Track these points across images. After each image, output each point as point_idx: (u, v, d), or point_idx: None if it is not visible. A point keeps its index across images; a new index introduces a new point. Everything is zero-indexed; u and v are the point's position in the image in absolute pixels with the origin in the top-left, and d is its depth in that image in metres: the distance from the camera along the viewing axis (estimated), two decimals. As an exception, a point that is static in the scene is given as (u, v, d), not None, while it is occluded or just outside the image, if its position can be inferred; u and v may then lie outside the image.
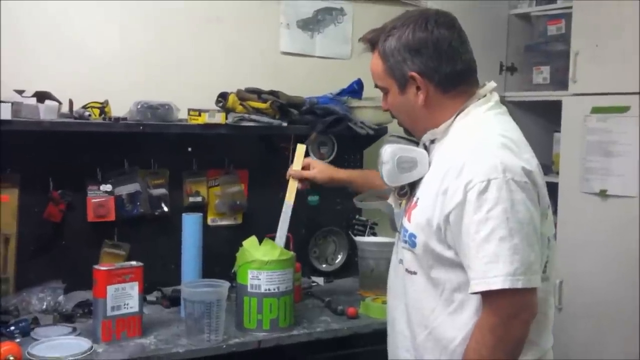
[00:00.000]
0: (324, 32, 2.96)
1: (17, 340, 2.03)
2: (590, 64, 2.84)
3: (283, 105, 2.56)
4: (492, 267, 1.41)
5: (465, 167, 1.47)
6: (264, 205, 2.76)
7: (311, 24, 2.93)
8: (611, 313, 2.73)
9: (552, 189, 3.00)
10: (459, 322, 1.52)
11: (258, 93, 2.56)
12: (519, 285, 1.40)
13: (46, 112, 2.22)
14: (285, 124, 2.57)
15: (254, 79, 2.66)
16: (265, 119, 2.52)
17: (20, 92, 2.24)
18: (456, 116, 1.60)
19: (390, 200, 1.72)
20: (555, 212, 3.00)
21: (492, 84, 1.66)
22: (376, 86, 1.71)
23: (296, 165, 2.23)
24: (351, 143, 2.87)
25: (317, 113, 2.65)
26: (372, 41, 1.66)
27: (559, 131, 3.00)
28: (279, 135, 2.72)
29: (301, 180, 2.21)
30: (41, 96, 2.25)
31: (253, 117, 2.50)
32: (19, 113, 2.17)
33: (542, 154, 3.28)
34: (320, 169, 2.22)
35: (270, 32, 2.86)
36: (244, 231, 2.52)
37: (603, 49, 2.79)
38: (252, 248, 2.19)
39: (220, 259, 2.37)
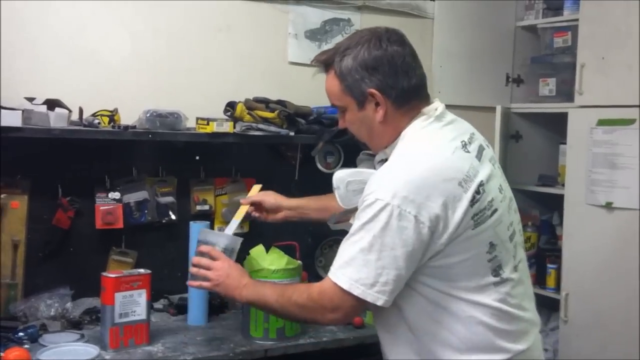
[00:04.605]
0: (331, 43, 2.97)
1: (26, 346, 2.04)
2: (596, 76, 2.85)
3: (290, 114, 2.58)
4: (345, 268, 1.55)
5: (369, 185, 1.56)
6: (270, 214, 2.77)
7: (319, 35, 2.95)
8: (616, 325, 2.73)
9: (558, 200, 3.02)
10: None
11: (266, 102, 2.58)
12: (355, 292, 1.53)
13: (56, 120, 2.24)
14: (292, 134, 2.59)
15: (262, 89, 2.68)
16: (272, 128, 2.54)
17: (30, 99, 2.26)
18: (399, 135, 1.65)
19: (352, 221, 1.76)
20: (560, 224, 3.01)
21: (437, 104, 1.68)
22: (333, 105, 1.75)
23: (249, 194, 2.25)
24: (357, 152, 2.88)
25: (324, 123, 2.66)
26: (327, 62, 1.71)
27: (565, 143, 3.00)
28: (286, 144, 2.74)
29: (256, 208, 2.20)
30: (51, 104, 2.26)
31: (260, 126, 2.52)
32: (29, 120, 2.19)
33: (548, 166, 3.33)
34: (268, 194, 2.22)
35: (279, 42, 2.88)
36: (250, 240, 2.52)
37: (609, 62, 2.80)
38: (259, 257, 2.20)
39: (227, 267, 2.38)
